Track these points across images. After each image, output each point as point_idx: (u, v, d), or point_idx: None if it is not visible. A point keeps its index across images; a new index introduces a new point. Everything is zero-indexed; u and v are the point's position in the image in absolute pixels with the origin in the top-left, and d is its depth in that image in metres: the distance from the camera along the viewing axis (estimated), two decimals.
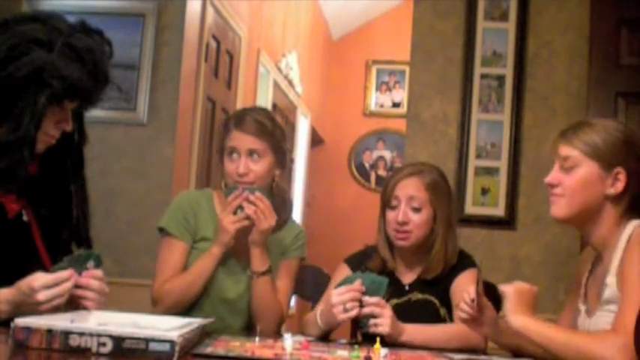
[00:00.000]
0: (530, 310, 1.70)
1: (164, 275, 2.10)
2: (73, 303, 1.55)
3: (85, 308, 1.56)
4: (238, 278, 2.12)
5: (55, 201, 1.72)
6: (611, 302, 1.69)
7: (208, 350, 1.43)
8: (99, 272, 1.58)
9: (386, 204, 2.12)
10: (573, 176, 1.75)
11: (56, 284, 1.47)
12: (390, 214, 2.09)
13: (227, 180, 2.13)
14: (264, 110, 2.24)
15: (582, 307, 1.81)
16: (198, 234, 2.14)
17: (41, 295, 1.45)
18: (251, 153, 2.08)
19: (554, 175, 1.78)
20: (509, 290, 1.70)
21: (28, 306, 1.46)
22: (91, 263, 1.58)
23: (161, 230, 2.15)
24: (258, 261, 2.06)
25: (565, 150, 1.76)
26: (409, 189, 2.08)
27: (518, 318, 1.67)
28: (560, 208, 1.77)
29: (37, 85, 1.55)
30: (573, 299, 1.90)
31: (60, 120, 1.63)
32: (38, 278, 1.47)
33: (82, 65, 1.59)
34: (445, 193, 2.14)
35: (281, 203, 2.17)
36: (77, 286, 1.53)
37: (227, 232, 2.03)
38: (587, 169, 1.74)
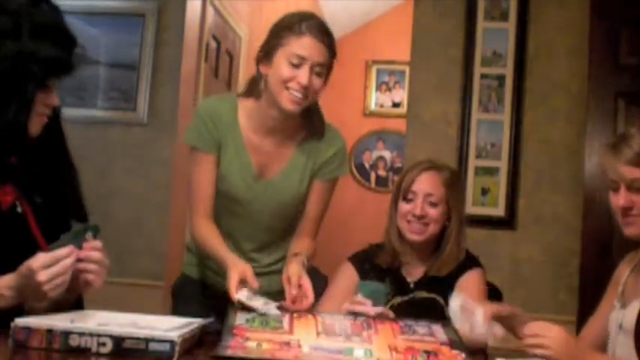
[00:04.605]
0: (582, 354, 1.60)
1: (199, 199, 2.07)
2: (76, 280, 1.51)
3: (88, 283, 1.52)
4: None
5: (46, 182, 1.68)
6: None
7: (228, 353, 1.39)
8: (98, 243, 1.54)
9: (401, 196, 2.11)
10: None
11: (56, 262, 1.43)
12: (405, 207, 2.09)
13: (274, 87, 2.00)
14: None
15: (617, 304, 1.82)
16: (221, 143, 2.09)
17: (42, 276, 1.41)
18: (315, 66, 2.00)
19: (625, 197, 1.74)
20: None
21: (31, 289, 1.43)
22: (89, 234, 1.53)
23: (190, 146, 2.11)
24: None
25: (631, 172, 1.73)
26: (427, 184, 2.09)
27: None
28: (638, 228, 1.75)
29: (18, 74, 1.53)
30: (607, 303, 1.88)
31: (47, 98, 1.60)
32: (37, 259, 1.43)
33: (53, 40, 1.56)
34: (459, 191, 2.16)
35: (315, 112, 2.15)
36: (79, 260, 1.49)
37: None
38: None
